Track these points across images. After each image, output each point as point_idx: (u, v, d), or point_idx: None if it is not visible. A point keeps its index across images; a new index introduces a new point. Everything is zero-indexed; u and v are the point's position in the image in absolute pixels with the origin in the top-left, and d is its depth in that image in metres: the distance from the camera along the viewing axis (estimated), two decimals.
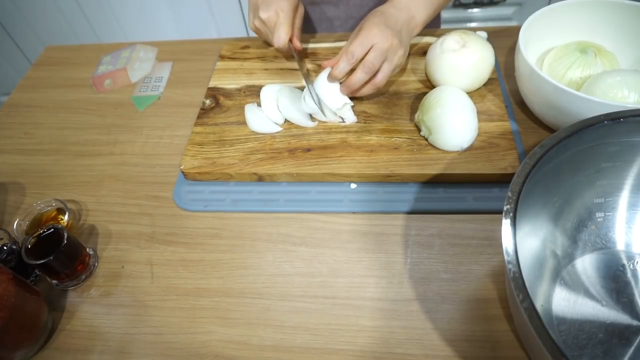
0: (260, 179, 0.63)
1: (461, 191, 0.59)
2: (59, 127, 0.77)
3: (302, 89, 0.69)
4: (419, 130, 0.64)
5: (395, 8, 0.63)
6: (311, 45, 0.79)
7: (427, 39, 0.76)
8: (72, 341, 0.53)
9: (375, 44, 0.59)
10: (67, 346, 0.53)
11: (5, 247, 0.56)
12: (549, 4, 0.97)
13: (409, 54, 0.75)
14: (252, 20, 0.71)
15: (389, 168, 0.60)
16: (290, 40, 0.70)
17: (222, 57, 0.80)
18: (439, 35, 0.70)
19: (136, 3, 1.56)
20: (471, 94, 0.67)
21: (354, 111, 0.67)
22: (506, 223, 0.39)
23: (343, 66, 0.60)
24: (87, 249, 0.58)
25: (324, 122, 0.67)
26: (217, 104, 0.72)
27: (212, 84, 0.76)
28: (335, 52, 0.77)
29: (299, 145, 0.64)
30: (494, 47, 0.68)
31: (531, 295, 0.35)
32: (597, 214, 0.51)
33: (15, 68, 1.77)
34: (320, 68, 0.74)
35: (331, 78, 0.62)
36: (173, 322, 0.53)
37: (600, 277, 0.50)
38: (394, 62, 0.62)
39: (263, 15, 0.68)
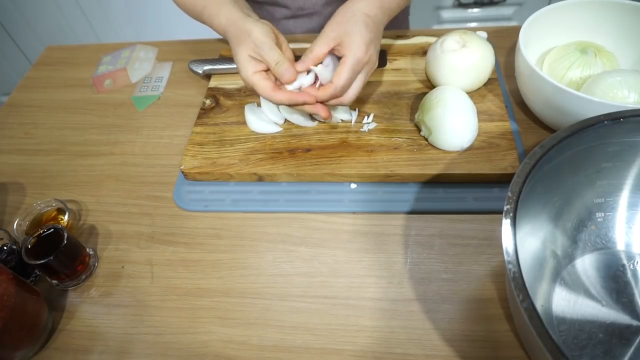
0: (260, 179, 0.63)
1: (461, 191, 0.59)
2: (59, 127, 0.77)
3: None
4: (419, 130, 0.64)
5: (382, 9, 0.59)
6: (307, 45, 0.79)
7: (427, 39, 0.76)
8: (72, 341, 0.53)
9: (362, 71, 0.57)
10: (67, 346, 0.53)
11: (5, 247, 0.56)
12: (549, 4, 0.97)
13: (409, 54, 0.75)
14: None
15: (389, 168, 0.60)
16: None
17: (222, 57, 0.80)
18: (439, 35, 0.70)
19: (136, 3, 1.57)
20: (471, 94, 0.67)
21: (352, 111, 0.67)
22: (506, 223, 0.39)
23: (328, 99, 0.57)
24: (87, 249, 0.58)
25: (324, 122, 0.67)
26: (217, 104, 0.72)
27: (212, 84, 0.76)
28: None
29: (299, 145, 0.64)
30: (494, 47, 0.68)
31: (531, 295, 0.35)
32: (597, 214, 0.51)
33: (15, 68, 1.77)
34: None
35: (310, 98, 0.57)
36: (173, 322, 0.53)
37: (600, 277, 0.50)
38: (367, 77, 0.59)
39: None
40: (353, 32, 0.56)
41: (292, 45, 0.77)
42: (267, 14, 0.85)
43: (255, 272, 0.56)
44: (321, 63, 0.59)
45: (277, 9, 0.83)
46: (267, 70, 0.59)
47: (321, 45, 0.57)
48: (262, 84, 0.57)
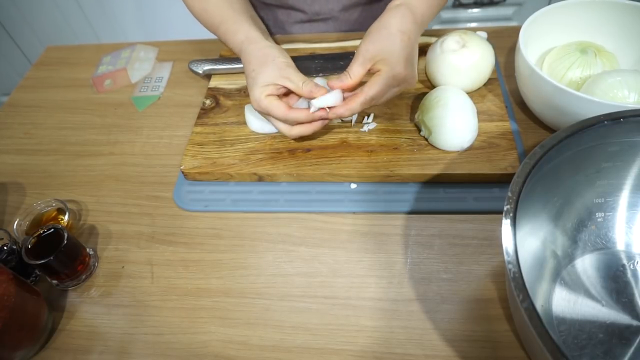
0: (260, 179, 0.63)
1: (461, 191, 0.59)
2: (58, 127, 0.77)
3: None
4: (419, 130, 0.64)
5: (416, 24, 0.58)
6: (309, 46, 0.79)
7: (427, 39, 0.76)
8: (72, 341, 0.53)
9: (397, 87, 0.57)
10: (67, 346, 0.53)
11: (5, 247, 0.56)
12: (549, 4, 0.97)
13: None
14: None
15: (389, 168, 0.60)
16: None
17: (222, 57, 0.80)
18: (439, 35, 0.70)
19: (136, 3, 1.57)
20: (471, 94, 0.67)
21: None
22: (506, 223, 0.39)
23: (357, 109, 0.56)
24: (87, 249, 0.58)
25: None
26: (217, 104, 0.72)
27: (212, 84, 0.76)
28: (333, 50, 0.77)
29: (299, 145, 0.64)
30: (494, 47, 0.68)
31: (531, 295, 0.35)
32: (597, 214, 0.51)
33: (15, 68, 1.77)
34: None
35: (336, 115, 0.57)
36: (173, 322, 0.53)
37: (600, 277, 0.50)
38: (399, 92, 0.59)
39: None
40: (390, 49, 0.55)
41: (304, 46, 0.78)
42: (282, 18, 0.85)
43: (255, 272, 0.56)
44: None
45: (293, 13, 0.83)
46: (279, 96, 0.59)
47: (358, 67, 0.56)
48: (275, 104, 0.57)
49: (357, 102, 0.55)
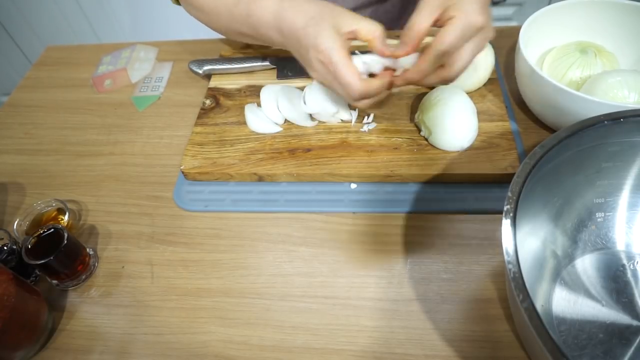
0: (260, 179, 0.63)
1: (461, 191, 0.59)
2: (59, 127, 0.77)
3: (302, 89, 0.69)
4: (419, 130, 0.64)
5: None
6: None
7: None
8: (72, 341, 0.53)
9: (474, 39, 0.46)
10: (67, 346, 0.53)
11: (5, 247, 0.56)
12: (549, 4, 0.97)
13: None
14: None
15: (389, 168, 0.60)
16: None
17: (222, 57, 0.80)
18: None
19: (136, 3, 1.57)
20: (471, 94, 0.67)
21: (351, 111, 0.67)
22: (506, 223, 0.39)
23: (428, 70, 0.47)
24: (87, 249, 0.58)
25: (324, 122, 0.67)
26: (217, 104, 0.72)
27: (212, 84, 0.76)
28: None
29: (299, 145, 0.64)
30: (494, 47, 0.68)
31: (531, 295, 0.35)
32: (597, 214, 0.51)
33: (15, 68, 1.77)
34: None
35: (405, 80, 0.48)
36: (173, 322, 0.53)
37: (600, 277, 0.50)
38: (480, 48, 0.48)
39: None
40: None
41: None
42: None
43: (255, 272, 0.56)
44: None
45: None
46: None
47: (426, 17, 0.45)
48: (353, 69, 0.47)
49: (427, 60, 0.46)
